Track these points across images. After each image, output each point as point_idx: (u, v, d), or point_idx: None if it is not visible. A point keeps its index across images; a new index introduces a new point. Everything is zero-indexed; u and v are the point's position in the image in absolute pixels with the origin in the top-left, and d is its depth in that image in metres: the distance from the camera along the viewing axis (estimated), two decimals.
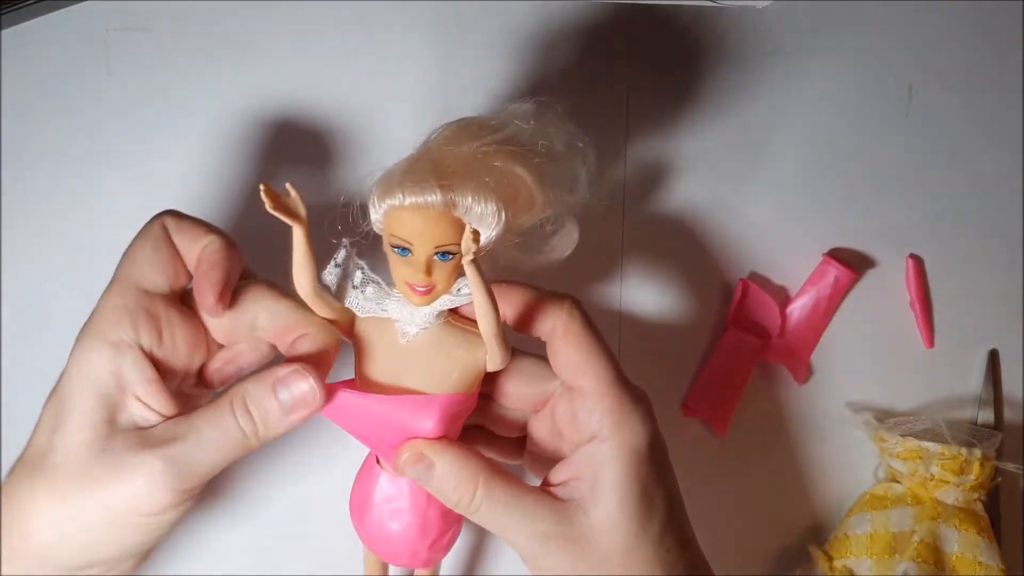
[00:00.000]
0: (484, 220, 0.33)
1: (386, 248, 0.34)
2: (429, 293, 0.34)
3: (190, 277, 0.37)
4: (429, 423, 0.35)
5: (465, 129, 0.34)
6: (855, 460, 0.53)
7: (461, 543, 0.50)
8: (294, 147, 0.50)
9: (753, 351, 0.52)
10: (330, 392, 0.35)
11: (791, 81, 0.53)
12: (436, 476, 0.35)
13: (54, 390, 0.36)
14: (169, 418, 0.35)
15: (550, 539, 0.35)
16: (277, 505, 0.50)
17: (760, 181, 0.53)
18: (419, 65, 0.51)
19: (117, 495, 0.33)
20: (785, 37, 0.53)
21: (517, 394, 0.39)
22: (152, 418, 0.35)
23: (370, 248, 0.36)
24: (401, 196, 0.32)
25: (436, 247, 0.33)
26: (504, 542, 0.37)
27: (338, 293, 0.36)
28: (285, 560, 0.50)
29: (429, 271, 0.34)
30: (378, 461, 0.38)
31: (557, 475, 0.37)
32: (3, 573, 0.34)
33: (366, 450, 0.39)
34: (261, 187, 0.32)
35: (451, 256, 0.34)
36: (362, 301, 0.36)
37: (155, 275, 0.36)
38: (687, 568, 0.37)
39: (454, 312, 0.37)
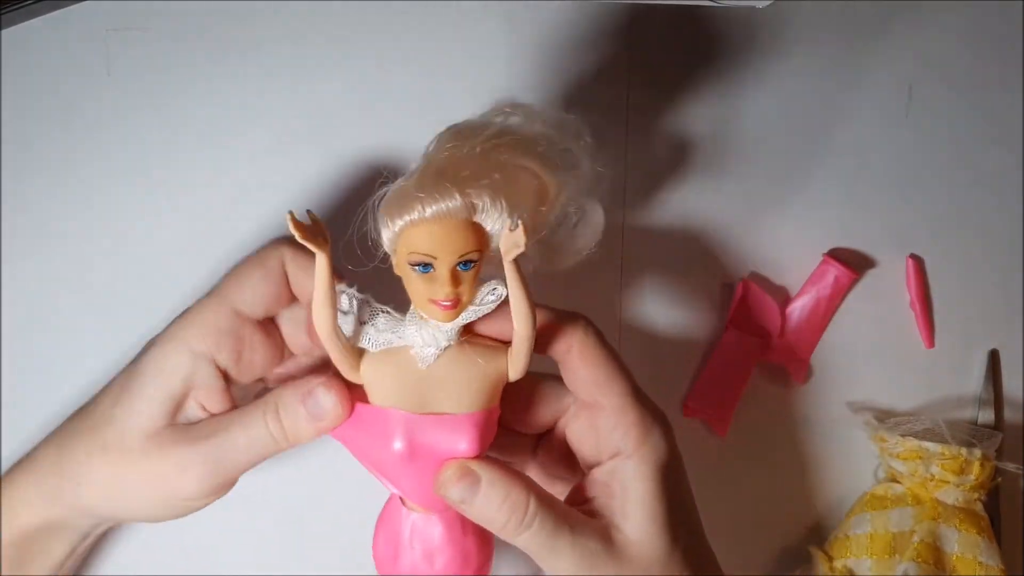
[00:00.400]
0: (503, 218, 0.32)
1: (402, 269, 0.33)
2: (456, 306, 0.33)
3: (291, 301, 0.39)
4: (464, 443, 0.35)
5: (461, 133, 0.33)
6: (855, 460, 0.53)
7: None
8: (294, 147, 0.50)
9: (753, 351, 0.52)
10: (353, 404, 0.36)
11: (791, 81, 0.53)
12: (482, 494, 0.35)
13: (130, 365, 0.39)
14: (214, 415, 0.38)
15: (597, 558, 0.35)
16: (278, 501, 0.50)
17: (760, 181, 0.53)
18: (419, 65, 0.51)
19: (158, 478, 0.37)
20: (785, 37, 0.53)
21: (530, 418, 0.39)
22: (203, 416, 0.38)
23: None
24: (420, 208, 0.31)
25: (460, 256, 0.32)
26: (544, 567, 0.36)
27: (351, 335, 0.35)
28: (284, 559, 0.50)
29: (456, 282, 0.33)
30: (403, 503, 0.37)
31: (580, 493, 0.37)
32: (42, 509, 0.39)
33: None
34: (288, 216, 0.31)
35: (473, 264, 0.33)
36: (374, 335, 0.35)
37: (256, 303, 0.38)
38: None
39: (468, 330, 0.36)
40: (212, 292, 0.38)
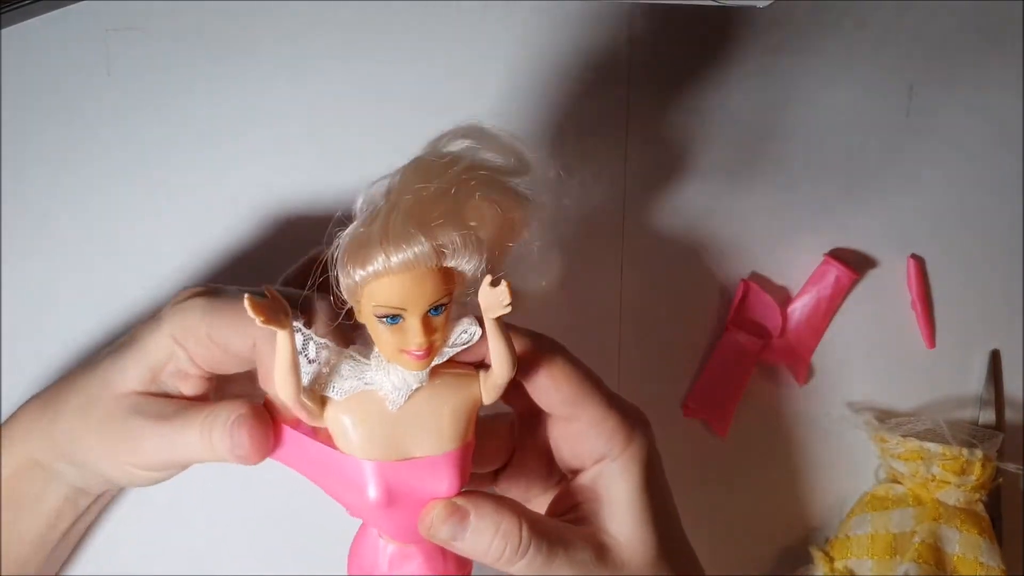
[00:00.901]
0: (474, 258, 0.30)
1: (365, 319, 0.31)
2: (429, 354, 0.31)
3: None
4: (444, 484, 0.33)
5: (426, 168, 0.30)
6: (856, 460, 0.53)
7: None
8: (294, 147, 0.50)
9: (753, 351, 0.51)
10: (266, 448, 0.35)
11: (791, 81, 0.53)
12: (472, 529, 0.34)
13: (135, 329, 0.39)
14: (186, 398, 0.39)
15: (590, 566, 0.35)
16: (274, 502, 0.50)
17: (760, 181, 0.53)
18: (419, 65, 0.51)
19: (113, 438, 0.38)
20: (785, 37, 0.53)
21: (488, 460, 0.40)
22: (179, 392, 0.39)
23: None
24: (384, 259, 0.29)
25: (431, 304, 0.30)
26: None
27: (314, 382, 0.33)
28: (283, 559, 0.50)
29: (430, 330, 0.31)
30: (379, 535, 0.36)
31: (565, 500, 0.37)
32: (39, 454, 0.40)
33: None
34: (245, 300, 0.28)
35: (444, 307, 0.31)
36: (339, 383, 0.32)
37: (230, 349, 0.37)
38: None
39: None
40: (214, 303, 0.37)
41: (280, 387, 0.31)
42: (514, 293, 0.29)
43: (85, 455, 0.39)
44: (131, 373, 0.38)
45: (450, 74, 0.51)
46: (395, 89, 0.50)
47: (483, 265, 0.30)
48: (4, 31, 0.48)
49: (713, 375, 0.52)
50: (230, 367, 0.38)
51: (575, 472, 0.38)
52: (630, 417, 0.37)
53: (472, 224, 0.30)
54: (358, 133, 0.50)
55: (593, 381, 0.36)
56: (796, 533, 0.53)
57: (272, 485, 0.50)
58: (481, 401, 0.34)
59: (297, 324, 0.32)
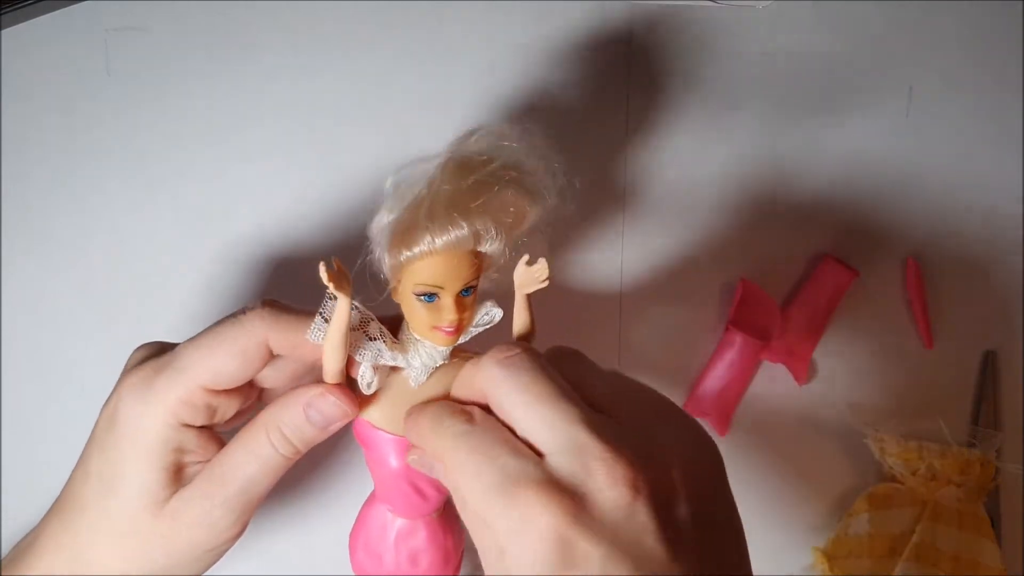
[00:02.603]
0: (500, 247, 0.34)
1: (404, 298, 0.34)
2: (459, 331, 0.34)
3: (267, 363, 0.37)
4: None
5: (461, 165, 0.33)
6: (855, 460, 0.53)
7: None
8: (294, 147, 0.50)
9: (753, 351, 0.52)
10: (358, 401, 0.36)
11: (791, 81, 0.53)
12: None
13: (98, 446, 0.37)
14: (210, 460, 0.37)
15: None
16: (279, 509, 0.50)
17: (760, 181, 0.53)
18: (419, 65, 0.51)
19: (183, 542, 0.36)
20: (785, 37, 0.53)
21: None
22: (201, 468, 0.37)
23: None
24: (431, 240, 0.32)
25: (465, 284, 0.34)
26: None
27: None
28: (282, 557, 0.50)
29: (462, 308, 0.34)
30: (389, 511, 0.39)
31: None
32: None
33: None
34: (321, 265, 0.31)
35: (473, 290, 0.34)
36: (383, 352, 0.35)
37: (230, 381, 0.36)
38: None
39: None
40: (176, 368, 0.36)
41: (327, 358, 0.34)
42: (551, 270, 0.33)
43: None
44: (149, 487, 0.36)
45: (450, 74, 0.51)
46: (395, 89, 0.50)
47: (506, 251, 0.34)
48: (4, 31, 0.48)
49: (713, 375, 0.52)
50: (241, 402, 0.38)
51: None
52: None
53: (495, 212, 0.33)
54: (358, 133, 0.50)
55: (486, 469, 0.31)
56: (796, 533, 0.53)
57: None
58: None
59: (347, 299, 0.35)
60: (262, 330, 0.36)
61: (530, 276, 0.34)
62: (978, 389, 0.54)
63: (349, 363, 0.36)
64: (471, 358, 0.36)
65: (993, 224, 0.54)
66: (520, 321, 0.36)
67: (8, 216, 0.49)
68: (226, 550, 0.38)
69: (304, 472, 0.50)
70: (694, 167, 0.52)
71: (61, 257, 0.49)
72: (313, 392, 0.36)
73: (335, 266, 0.33)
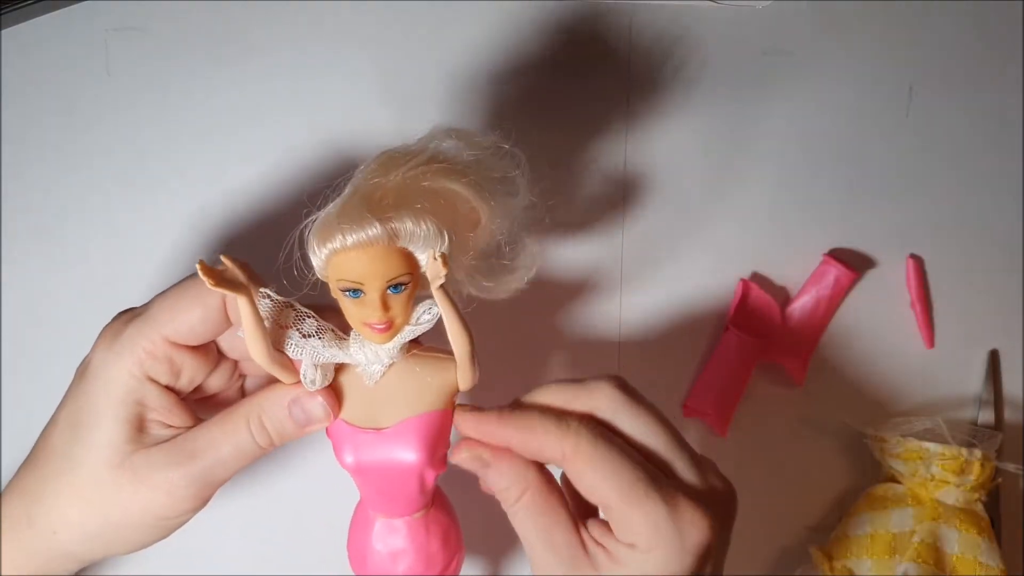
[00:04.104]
0: (429, 243, 0.33)
1: (335, 294, 0.34)
2: (389, 328, 0.34)
3: (229, 327, 0.38)
4: (410, 453, 0.36)
5: (389, 160, 0.33)
6: (855, 460, 0.53)
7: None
8: (294, 147, 0.50)
9: (753, 351, 0.52)
10: (338, 405, 0.36)
11: (791, 81, 0.53)
12: (492, 474, 0.36)
13: (71, 395, 0.37)
14: (187, 428, 0.37)
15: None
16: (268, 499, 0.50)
17: (760, 181, 0.53)
18: (419, 65, 0.51)
19: (141, 506, 0.36)
20: (785, 37, 0.53)
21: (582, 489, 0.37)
22: (170, 433, 0.37)
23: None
24: (341, 238, 0.32)
25: (388, 281, 0.33)
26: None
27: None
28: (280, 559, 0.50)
29: (386, 307, 0.33)
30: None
31: (593, 531, 0.36)
32: (25, 564, 0.37)
33: None
34: (197, 266, 0.31)
35: (404, 287, 0.33)
36: (320, 349, 0.35)
37: (192, 337, 0.37)
38: None
39: (415, 343, 0.36)
40: (143, 318, 0.36)
41: (250, 347, 0.34)
42: (448, 266, 0.32)
43: (93, 550, 0.38)
44: (112, 438, 0.36)
45: (450, 74, 0.51)
46: (395, 89, 0.50)
47: (441, 251, 0.33)
48: (4, 31, 0.48)
49: (713, 375, 0.52)
50: (204, 364, 0.38)
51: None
52: (664, 514, 0.34)
53: (427, 209, 0.32)
54: (358, 133, 0.50)
55: (625, 465, 0.34)
56: (796, 533, 0.53)
57: (269, 490, 0.50)
58: (457, 386, 0.36)
59: (265, 291, 0.35)
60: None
61: (432, 270, 0.33)
62: (980, 389, 0.54)
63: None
64: (436, 357, 0.36)
65: (993, 224, 0.54)
66: (444, 320, 0.34)
67: (8, 216, 0.49)
68: (180, 524, 0.38)
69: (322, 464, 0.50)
70: (694, 167, 0.52)
71: (61, 257, 0.49)
72: (301, 390, 0.36)
73: (225, 264, 0.32)
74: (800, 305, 0.52)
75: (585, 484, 0.35)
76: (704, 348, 0.52)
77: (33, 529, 0.37)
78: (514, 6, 0.51)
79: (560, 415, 0.35)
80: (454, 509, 0.41)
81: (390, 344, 0.35)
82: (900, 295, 0.54)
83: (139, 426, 0.36)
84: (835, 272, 0.52)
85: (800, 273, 0.53)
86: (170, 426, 0.37)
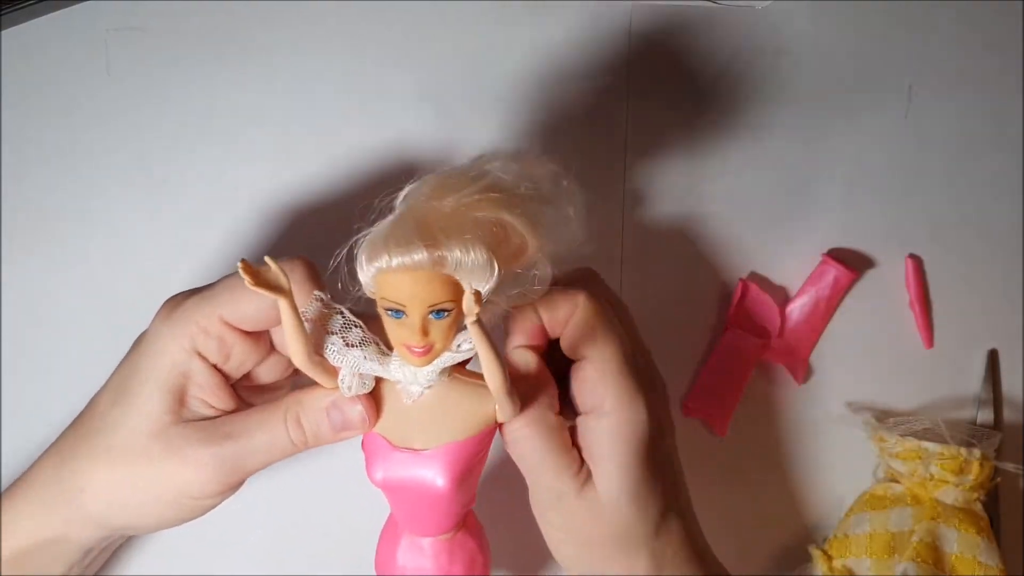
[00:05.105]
0: (476, 274, 0.32)
1: (380, 311, 0.33)
2: (428, 353, 0.33)
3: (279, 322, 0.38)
4: (438, 479, 0.35)
5: (445, 182, 0.32)
6: (855, 460, 0.53)
7: None
8: (294, 147, 0.50)
9: (753, 351, 0.52)
10: (376, 417, 0.36)
11: (791, 81, 0.53)
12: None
13: (123, 362, 0.38)
14: (229, 412, 0.38)
15: (569, 481, 0.37)
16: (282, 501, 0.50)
17: (760, 181, 0.53)
18: (419, 65, 0.51)
19: (169, 478, 0.37)
20: (785, 37, 0.53)
21: (568, 344, 0.39)
22: (211, 412, 0.38)
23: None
24: (388, 259, 0.31)
25: (430, 307, 0.32)
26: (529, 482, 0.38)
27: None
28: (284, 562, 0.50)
29: (425, 331, 0.33)
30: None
31: (575, 437, 0.38)
32: (47, 521, 0.38)
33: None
34: (239, 264, 0.31)
35: (447, 313, 0.33)
36: (361, 361, 0.35)
37: (247, 322, 0.37)
38: (685, 568, 0.38)
39: (459, 367, 0.36)
40: (204, 294, 0.37)
41: (289, 349, 0.34)
42: (480, 304, 0.31)
43: (116, 517, 0.38)
44: (152, 406, 0.37)
45: (450, 74, 0.51)
46: (395, 89, 0.50)
47: (492, 282, 0.32)
48: (4, 31, 0.48)
49: (713, 375, 0.52)
50: (254, 352, 0.38)
51: (579, 415, 0.39)
52: (634, 384, 0.37)
53: (479, 239, 0.32)
54: (358, 133, 0.50)
55: (611, 336, 0.37)
56: (795, 532, 0.53)
57: (272, 491, 0.50)
58: (495, 416, 0.36)
59: (319, 294, 0.35)
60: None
61: (466, 306, 0.32)
62: (979, 388, 0.54)
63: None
64: (478, 384, 0.36)
65: (993, 224, 0.54)
66: (478, 354, 0.34)
67: (8, 216, 0.49)
68: (203, 508, 0.38)
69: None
70: (694, 167, 0.52)
71: (61, 257, 0.49)
72: (341, 395, 0.36)
73: (269, 265, 0.32)
74: (799, 305, 0.53)
75: (570, 342, 0.37)
76: (704, 348, 0.53)
77: (61, 487, 0.38)
78: (514, 6, 0.51)
79: (568, 290, 0.38)
80: (485, 535, 0.41)
81: (428, 368, 0.34)
82: (899, 295, 0.54)
83: (180, 399, 0.37)
84: (834, 272, 0.52)
85: (799, 273, 0.53)
86: (212, 406, 0.38)
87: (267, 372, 0.40)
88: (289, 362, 0.39)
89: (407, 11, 0.50)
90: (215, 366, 0.38)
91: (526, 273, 0.35)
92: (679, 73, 0.52)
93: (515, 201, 0.33)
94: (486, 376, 0.34)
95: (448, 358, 0.34)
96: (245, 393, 0.40)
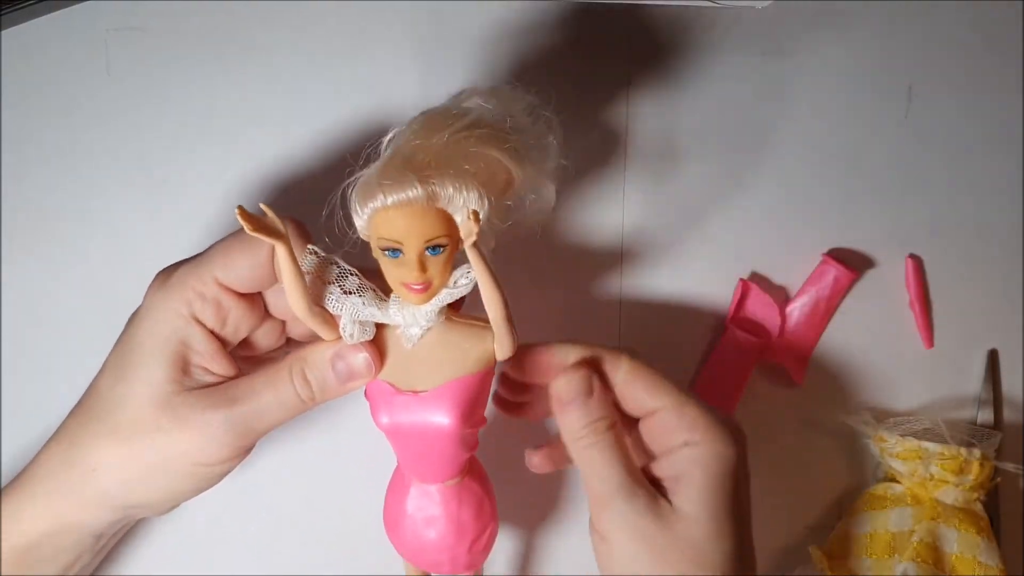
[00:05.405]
0: (469, 206, 0.33)
1: (376, 253, 0.34)
2: (427, 289, 0.34)
3: (275, 282, 0.38)
4: (443, 416, 0.36)
5: (431, 120, 0.33)
6: (855, 460, 0.53)
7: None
8: (294, 146, 0.50)
9: (753, 351, 0.52)
10: (380, 363, 0.37)
11: (791, 81, 0.53)
12: (593, 402, 0.38)
13: (120, 339, 0.38)
14: (231, 378, 0.38)
15: (643, 517, 0.37)
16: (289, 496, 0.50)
17: (760, 181, 0.53)
18: (419, 64, 0.51)
19: (179, 446, 0.36)
20: (785, 37, 0.53)
21: (632, 402, 0.40)
22: (213, 379, 0.38)
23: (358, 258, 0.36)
24: (382, 197, 0.32)
25: (426, 242, 0.33)
26: (594, 513, 0.38)
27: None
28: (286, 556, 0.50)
29: (423, 267, 0.34)
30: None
31: (654, 467, 0.39)
32: (62, 508, 0.38)
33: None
34: (236, 210, 0.31)
35: (442, 249, 0.34)
36: (360, 306, 0.35)
37: (241, 283, 0.37)
38: None
39: (454, 309, 0.37)
40: (197, 260, 0.37)
41: (289, 299, 0.34)
42: (479, 223, 0.32)
43: (129, 496, 0.38)
44: (155, 377, 0.36)
45: (450, 74, 0.51)
46: (395, 89, 0.50)
47: (484, 211, 0.33)
48: (5, 31, 0.48)
49: (713, 375, 0.52)
50: (249, 315, 0.38)
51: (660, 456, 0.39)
52: (715, 415, 0.38)
53: (469, 172, 0.33)
54: (358, 133, 0.50)
55: (673, 381, 0.39)
56: (795, 533, 0.53)
57: (271, 480, 0.50)
58: (494, 354, 0.37)
59: (312, 247, 0.36)
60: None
61: (465, 229, 0.33)
62: (979, 388, 0.54)
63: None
64: (473, 324, 0.37)
65: (993, 224, 0.54)
66: (478, 281, 0.34)
67: (8, 216, 0.49)
68: (218, 475, 0.38)
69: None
70: (693, 167, 0.52)
71: (61, 257, 0.49)
72: (344, 345, 0.36)
73: (265, 212, 0.33)
74: (799, 305, 0.53)
75: (639, 394, 0.39)
76: (704, 348, 0.53)
77: (72, 470, 0.37)
78: (514, 6, 0.51)
79: (611, 349, 0.39)
80: (490, 481, 0.41)
81: (427, 306, 0.35)
82: (899, 295, 0.54)
83: (183, 367, 0.37)
84: (834, 272, 0.52)
85: (799, 273, 0.53)
86: (212, 373, 0.38)
87: (263, 337, 0.40)
88: (283, 328, 0.40)
89: (407, 11, 0.50)
90: (213, 332, 0.37)
91: (517, 203, 0.36)
92: (679, 73, 0.52)
93: (500, 135, 0.34)
94: (485, 302, 0.35)
95: (446, 295, 0.35)
96: (242, 363, 0.40)
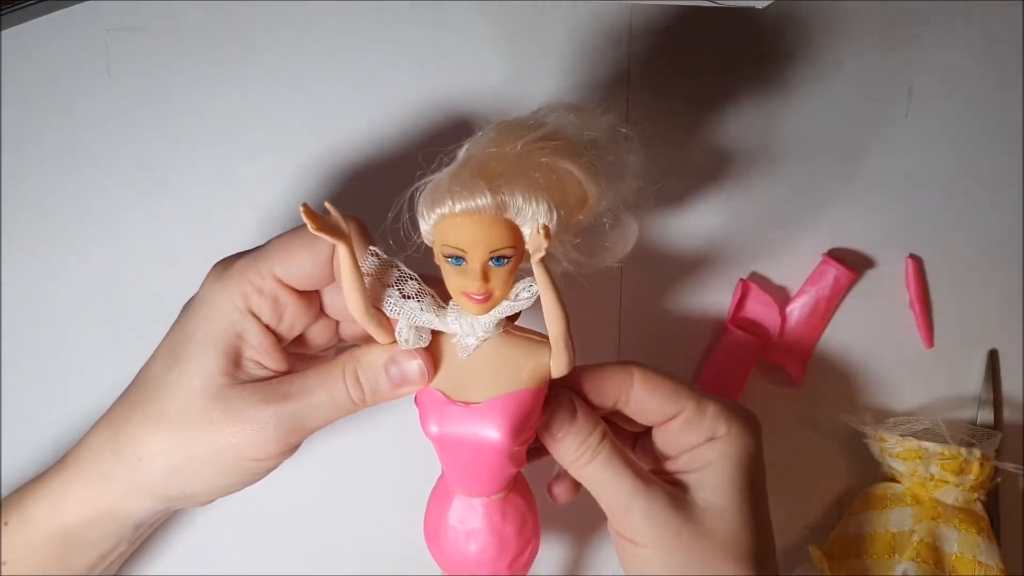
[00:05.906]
0: (538, 218, 0.32)
1: (439, 260, 0.34)
2: (487, 300, 0.34)
3: (333, 280, 0.38)
4: (494, 431, 0.35)
5: (507, 130, 0.33)
6: (855, 460, 0.53)
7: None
8: (294, 146, 0.50)
9: (753, 351, 0.52)
10: (433, 371, 0.36)
11: (791, 81, 0.53)
12: (579, 422, 0.38)
13: (174, 326, 0.38)
14: (282, 374, 0.37)
15: (667, 512, 0.37)
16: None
17: (760, 181, 0.53)
18: (419, 65, 0.51)
19: (228, 439, 0.36)
20: (785, 37, 0.53)
21: (651, 412, 0.40)
22: (264, 374, 0.37)
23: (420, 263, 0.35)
24: (451, 203, 0.32)
25: (491, 252, 0.32)
26: (613, 519, 0.38)
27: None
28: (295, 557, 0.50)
29: (486, 277, 0.33)
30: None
31: (668, 466, 0.40)
32: (104, 493, 0.37)
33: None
34: (301, 208, 0.31)
35: (506, 260, 0.33)
36: (418, 312, 0.35)
37: (299, 280, 0.37)
38: None
39: (511, 321, 0.36)
40: (256, 254, 0.37)
41: (347, 299, 0.34)
42: (550, 239, 0.31)
43: (173, 485, 0.37)
44: (208, 367, 0.36)
45: (450, 74, 0.51)
46: (395, 89, 0.50)
47: (554, 225, 0.32)
48: (5, 31, 0.48)
49: (713, 375, 0.52)
50: (305, 313, 0.38)
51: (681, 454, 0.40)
52: (733, 407, 0.39)
53: (540, 185, 0.32)
54: (358, 132, 0.50)
55: (678, 379, 0.39)
56: (795, 533, 0.53)
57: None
58: (549, 371, 0.36)
59: (374, 248, 0.35)
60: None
61: (534, 243, 0.32)
62: (979, 388, 0.54)
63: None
64: (531, 339, 0.36)
65: (993, 224, 0.54)
66: (541, 295, 0.34)
67: (8, 216, 0.49)
68: (262, 471, 0.38)
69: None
70: (693, 167, 0.52)
71: (61, 257, 0.49)
72: (399, 350, 0.36)
73: (329, 211, 0.33)
74: (799, 305, 0.53)
75: (658, 404, 0.38)
76: (704, 348, 0.53)
77: (117, 456, 0.37)
78: (514, 6, 0.51)
79: (618, 362, 0.39)
80: (534, 497, 0.41)
81: (486, 317, 0.34)
82: (899, 295, 0.54)
83: (236, 360, 0.37)
84: (834, 272, 0.52)
85: (799, 273, 0.53)
86: (265, 368, 0.37)
87: (317, 335, 0.40)
88: (337, 327, 0.40)
89: (407, 11, 0.50)
90: (268, 327, 0.37)
91: (595, 231, 0.36)
92: (679, 73, 0.52)
93: (576, 150, 0.33)
94: (547, 319, 0.34)
95: (506, 307, 0.34)
96: (294, 361, 0.39)
